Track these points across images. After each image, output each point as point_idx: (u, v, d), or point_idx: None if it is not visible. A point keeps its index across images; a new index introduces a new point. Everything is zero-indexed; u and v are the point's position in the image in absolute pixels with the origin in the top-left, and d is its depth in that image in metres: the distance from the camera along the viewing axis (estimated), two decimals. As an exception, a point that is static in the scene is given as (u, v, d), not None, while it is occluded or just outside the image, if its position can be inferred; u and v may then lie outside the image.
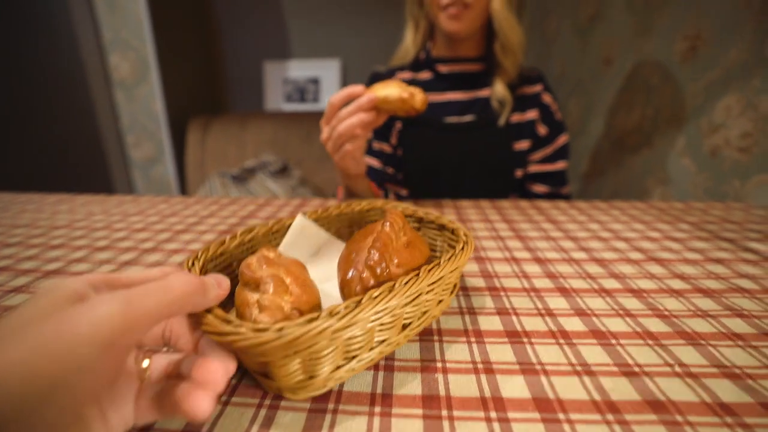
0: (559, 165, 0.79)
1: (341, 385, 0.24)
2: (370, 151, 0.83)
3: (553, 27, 1.45)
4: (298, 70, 1.73)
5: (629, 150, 0.99)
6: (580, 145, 1.23)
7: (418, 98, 0.49)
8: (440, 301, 0.29)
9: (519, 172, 0.79)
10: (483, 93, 0.79)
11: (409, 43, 0.82)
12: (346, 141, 0.53)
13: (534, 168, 0.80)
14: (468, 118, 0.78)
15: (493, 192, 0.80)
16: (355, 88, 0.52)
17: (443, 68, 0.80)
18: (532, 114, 0.78)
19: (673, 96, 0.85)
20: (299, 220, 0.32)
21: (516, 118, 0.78)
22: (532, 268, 0.40)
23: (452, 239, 0.33)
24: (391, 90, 0.50)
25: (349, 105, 0.51)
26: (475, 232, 0.50)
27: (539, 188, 0.80)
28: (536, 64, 1.57)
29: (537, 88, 0.79)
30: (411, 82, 0.82)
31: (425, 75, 0.82)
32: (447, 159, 0.78)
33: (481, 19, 0.73)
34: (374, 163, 0.82)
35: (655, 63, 0.91)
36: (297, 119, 1.48)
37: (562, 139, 0.79)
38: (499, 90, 0.76)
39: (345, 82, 1.76)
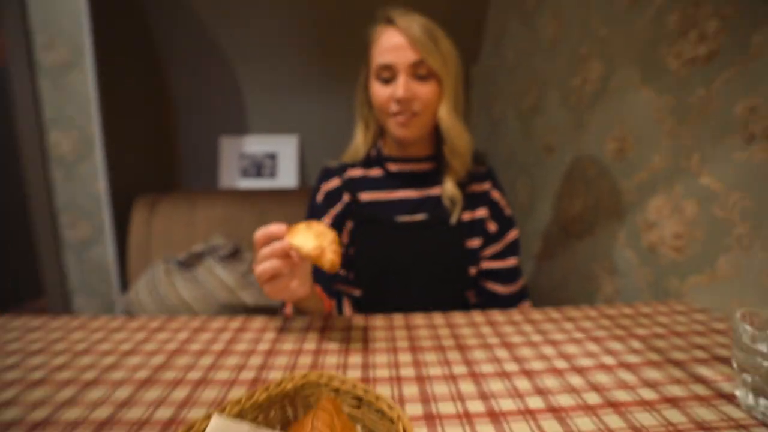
0: (510, 262, 0.80)
1: None
2: (321, 251, 0.80)
3: (498, 112, 1.57)
4: (256, 145, 1.73)
5: (575, 236, 1.03)
6: (530, 227, 1.27)
7: (326, 259, 0.48)
8: None
9: (473, 270, 0.78)
10: (434, 191, 0.80)
11: (359, 142, 0.83)
12: (265, 281, 0.52)
13: (485, 264, 0.79)
14: (420, 216, 0.78)
15: (448, 291, 0.78)
16: (277, 230, 0.51)
17: (393, 167, 0.81)
18: (481, 212, 0.79)
19: (609, 190, 0.91)
20: (215, 423, 0.27)
21: (467, 216, 0.78)
22: (486, 429, 0.37)
23: (392, 429, 0.29)
24: (305, 241, 0.49)
25: (268, 246, 0.51)
26: (426, 369, 0.47)
27: (493, 286, 0.79)
28: (485, 145, 1.67)
29: (486, 185, 0.81)
30: (362, 179, 0.82)
31: (376, 172, 0.83)
32: (400, 258, 0.76)
33: (430, 126, 0.76)
34: (326, 263, 0.79)
35: (591, 157, 0.98)
36: (251, 197, 1.44)
37: (512, 235, 0.81)
38: (449, 188, 0.78)
39: (303, 157, 1.78)
